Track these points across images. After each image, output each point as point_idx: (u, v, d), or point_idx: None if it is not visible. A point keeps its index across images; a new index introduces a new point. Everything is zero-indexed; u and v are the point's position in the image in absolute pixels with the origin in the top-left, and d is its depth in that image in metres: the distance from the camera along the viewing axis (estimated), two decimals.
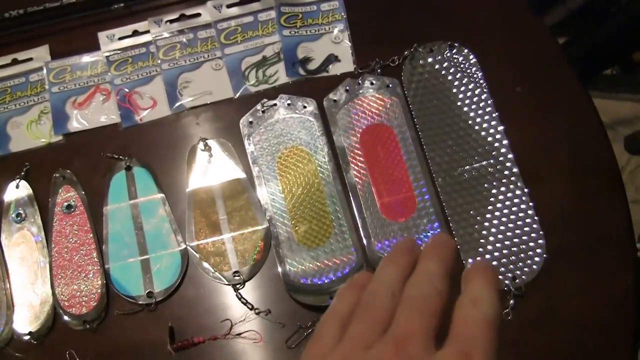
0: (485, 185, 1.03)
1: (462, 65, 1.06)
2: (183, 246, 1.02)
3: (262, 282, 1.01)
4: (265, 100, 1.06)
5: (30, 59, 1.14)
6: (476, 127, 1.05)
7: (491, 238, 1.00)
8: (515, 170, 1.03)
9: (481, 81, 1.07)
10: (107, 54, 1.12)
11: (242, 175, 1.03)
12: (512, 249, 0.99)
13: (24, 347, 0.99)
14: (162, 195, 1.04)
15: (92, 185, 1.07)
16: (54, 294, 1.00)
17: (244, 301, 0.99)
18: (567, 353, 0.95)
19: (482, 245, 1.00)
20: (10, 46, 1.17)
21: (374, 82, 1.05)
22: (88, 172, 1.07)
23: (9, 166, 1.08)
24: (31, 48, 1.16)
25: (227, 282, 1.00)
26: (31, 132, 1.08)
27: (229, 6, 1.14)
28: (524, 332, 0.97)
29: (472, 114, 1.04)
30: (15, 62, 1.14)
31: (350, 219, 1.01)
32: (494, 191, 1.02)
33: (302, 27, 1.11)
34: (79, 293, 0.99)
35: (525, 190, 1.02)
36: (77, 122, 1.09)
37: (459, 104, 1.07)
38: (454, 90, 1.06)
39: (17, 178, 1.07)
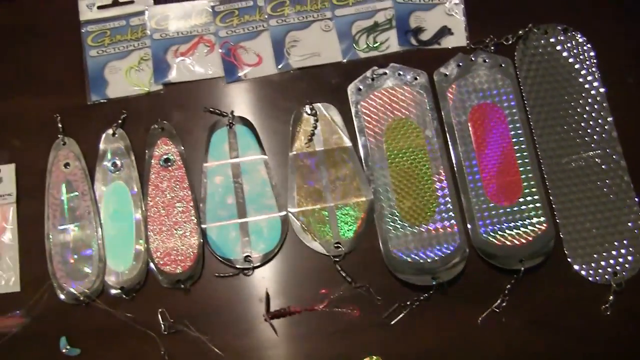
0: (592, 176, 1.02)
1: (575, 51, 1.04)
2: (284, 212, 0.99)
3: (362, 255, 0.99)
4: (375, 67, 1.04)
5: (131, 2, 1.10)
6: (585, 116, 1.04)
7: (594, 230, 0.99)
8: (622, 163, 1.02)
9: (593, 69, 1.06)
10: (213, 3, 1.07)
11: (348, 143, 1.01)
12: (614, 243, 0.99)
13: (115, 301, 0.97)
14: (265, 156, 1.02)
15: (190, 140, 1.04)
16: (148, 250, 0.98)
17: (344, 274, 0.96)
18: None
19: (585, 237, 1.00)
20: None
21: (487, 60, 1.03)
22: (187, 125, 1.05)
23: (105, 112, 1.06)
24: None
25: (327, 253, 0.97)
26: (130, 79, 1.05)
27: None
28: (623, 328, 0.96)
29: (581, 102, 1.02)
30: (116, 3, 1.09)
31: (455, 198, 0.99)
32: (599, 183, 1.01)
33: None
34: (174, 252, 0.98)
35: (632, 185, 1.01)
36: (178, 72, 1.06)
37: (570, 90, 1.05)
38: (566, 76, 1.04)
39: (115, 126, 1.03)
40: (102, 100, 1.05)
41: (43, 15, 1.10)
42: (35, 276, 0.97)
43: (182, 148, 1.02)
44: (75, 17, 1.09)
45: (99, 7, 1.08)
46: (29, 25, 1.10)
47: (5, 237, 0.97)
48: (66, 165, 1.00)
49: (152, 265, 0.97)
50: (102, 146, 1.03)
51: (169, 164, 0.98)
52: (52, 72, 1.07)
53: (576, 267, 0.97)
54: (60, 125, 1.02)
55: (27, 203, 1.01)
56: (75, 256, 0.97)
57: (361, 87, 1.01)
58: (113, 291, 0.96)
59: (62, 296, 0.96)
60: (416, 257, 0.95)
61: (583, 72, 1.02)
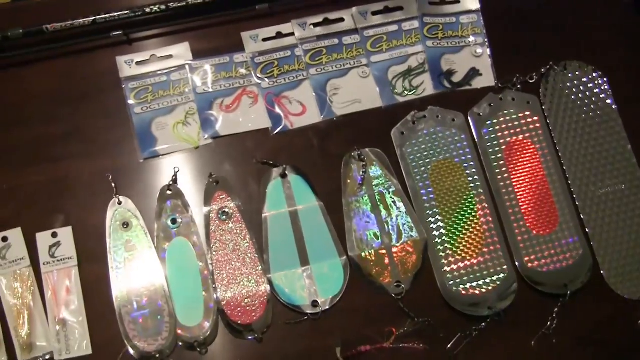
0: (619, 200, 1.10)
1: (591, 85, 1.11)
2: (344, 256, 1.02)
3: (421, 291, 1.04)
4: (415, 111, 1.08)
5: (170, 56, 1.11)
6: (606, 146, 1.12)
7: (626, 251, 1.09)
8: None
9: (608, 101, 1.15)
10: (252, 55, 1.10)
11: (398, 186, 1.05)
12: None
13: (188, 356, 0.99)
14: (321, 203, 1.04)
15: (244, 191, 1.07)
16: (217, 302, 1.00)
17: (406, 311, 1.00)
18: None
19: (617, 258, 1.09)
20: (148, 42, 1.14)
21: (515, 98, 1.10)
22: (239, 177, 1.08)
23: (158, 169, 1.08)
24: (170, 45, 1.13)
25: (389, 292, 1.01)
26: (178, 134, 1.07)
27: (373, 13, 1.13)
28: None
29: (602, 133, 1.11)
30: (154, 58, 1.10)
31: (499, 230, 1.06)
32: (627, 207, 1.11)
33: (443, 39, 1.14)
34: (244, 302, 1.00)
35: None
36: (225, 125, 1.09)
37: (589, 122, 1.13)
38: (586, 109, 1.12)
39: (169, 182, 1.04)
40: (153, 157, 1.05)
41: (85, 75, 1.11)
42: (105, 338, 0.98)
43: (238, 200, 1.04)
44: (116, 75, 1.10)
45: (138, 63, 1.08)
46: (72, 87, 1.10)
47: (71, 301, 0.97)
48: (124, 224, 1.00)
49: (222, 317, 0.99)
50: (158, 203, 1.04)
51: (228, 216, 1.00)
52: (101, 132, 1.08)
53: (612, 286, 1.03)
54: (113, 185, 1.03)
55: (89, 265, 1.01)
56: (145, 315, 0.97)
57: (404, 131, 1.06)
58: (185, 346, 0.98)
59: (135, 355, 0.97)
60: (471, 290, 0.99)
61: (600, 104, 1.09)
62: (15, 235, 1.01)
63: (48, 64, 1.11)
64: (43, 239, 1.01)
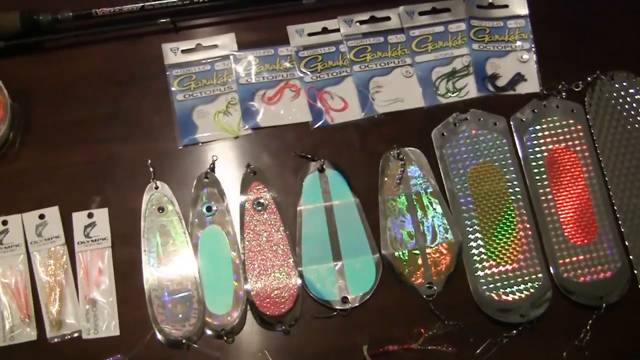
0: None
1: (638, 95, 1.09)
2: (377, 254, 1.02)
3: (453, 294, 1.02)
4: (457, 113, 1.08)
5: (215, 46, 1.12)
6: None
7: None
8: None
9: None
10: (297, 49, 1.10)
11: (435, 186, 1.05)
12: None
13: (216, 344, 0.99)
14: (357, 199, 1.04)
15: (281, 183, 1.07)
16: (247, 292, 1.00)
17: (437, 313, 1.00)
18: None
19: None
20: (194, 31, 1.15)
21: (559, 105, 1.09)
22: (277, 169, 1.08)
23: (196, 156, 1.08)
24: (216, 35, 1.15)
25: (420, 293, 1.00)
26: (218, 123, 1.08)
27: (420, 13, 1.13)
28: None
29: None
30: (199, 47, 1.11)
31: (536, 237, 1.04)
32: None
33: (489, 42, 1.13)
34: (274, 294, 1.00)
35: None
36: (266, 116, 1.09)
37: (635, 134, 1.11)
38: (633, 120, 1.10)
39: (207, 170, 1.05)
40: (192, 145, 1.05)
41: (129, 59, 1.12)
42: (134, 320, 0.98)
43: (274, 192, 1.04)
44: (161, 61, 1.11)
45: (183, 51, 1.09)
46: (117, 71, 1.11)
47: (102, 282, 0.98)
48: (160, 209, 1.00)
49: (251, 307, 0.98)
50: (195, 190, 1.04)
51: (263, 207, 1.00)
52: (142, 117, 1.08)
53: None
54: (152, 169, 1.03)
55: (122, 247, 1.02)
56: (175, 300, 0.97)
57: (444, 132, 1.05)
58: (213, 334, 0.98)
59: (162, 339, 0.96)
60: (504, 296, 0.98)
61: None
62: (53, 213, 1.03)
63: (96, 47, 1.13)
64: (79, 218, 1.02)
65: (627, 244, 1.04)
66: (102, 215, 1.02)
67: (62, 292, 0.98)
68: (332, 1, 1.14)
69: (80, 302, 0.99)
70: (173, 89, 1.08)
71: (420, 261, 1.00)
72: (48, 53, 1.13)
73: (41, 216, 1.02)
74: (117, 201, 1.04)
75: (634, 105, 1.08)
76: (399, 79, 1.10)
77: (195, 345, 0.97)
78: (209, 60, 1.12)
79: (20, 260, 1.01)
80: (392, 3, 1.16)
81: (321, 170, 1.04)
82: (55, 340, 0.98)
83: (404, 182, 1.04)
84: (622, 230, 1.04)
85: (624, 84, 1.10)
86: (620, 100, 1.09)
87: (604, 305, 1.00)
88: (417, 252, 1.01)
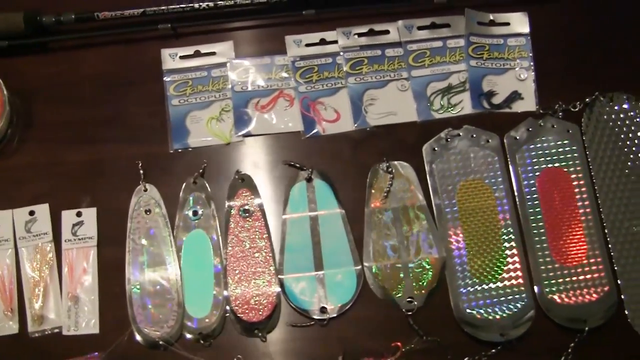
0: None
1: (638, 119, 1.07)
2: (359, 266, 1.02)
3: (433, 310, 1.02)
4: (450, 129, 1.07)
5: (213, 53, 1.14)
6: None
7: None
8: None
9: None
10: (293, 59, 1.10)
11: (422, 201, 1.04)
12: None
13: (192, 346, 1.00)
14: (342, 211, 1.04)
15: (269, 191, 1.08)
16: (226, 297, 1.00)
17: (415, 328, 0.99)
18: None
19: None
20: (194, 38, 1.17)
21: (555, 125, 1.07)
22: (266, 177, 1.09)
23: (187, 161, 1.09)
24: (215, 42, 1.16)
25: (400, 307, 0.99)
26: (211, 129, 1.09)
27: (419, 28, 1.13)
28: None
29: None
30: (197, 54, 1.13)
31: (522, 257, 1.03)
32: None
33: (488, 60, 1.12)
34: (252, 300, 1.00)
35: None
36: (258, 124, 1.10)
37: (633, 157, 1.09)
38: (630, 143, 1.08)
39: (196, 175, 1.06)
40: (183, 149, 1.07)
41: (129, 63, 1.14)
42: (114, 319, 0.99)
43: (261, 199, 1.05)
44: (159, 66, 1.12)
45: (181, 57, 1.11)
46: (116, 74, 1.14)
47: (86, 280, 1.00)
48: (147, 211, 1.02)
49: (230, 312, 0.99)
50: (183, 194, 1.05)
51: (248, 214, 1.00)
52: (138, 120, 1.10)
53: (636, 329, 1.00)
54: (142, 172, 1.05)
55: (108, 247, 1.03)
56: (155, 301, 0.99)
57: (436, 147, 1.05)
58: (191, 337, 0.99)
59: (140, 340, 0.98)
60: (485, 314, 0.97)
61: None
62: (43, 210, 1.05)
63: (98, 49, 1.16)
64: (68, 216, 1.04)
65: (616, 268, 1.01)
66: (90, 215, 1.04)
67: (45, 288, 1.00)
68: (332, 13, 1.13)
69: (63, 299, 1.00)
70: (169, 93, 1.09)
71: (402, 275, 0.99)
72: (50, 54, 1.16)
73: (31, 213, 1.04)
74: (106, 202, 1.06)
75: (633, 128, 1.07)
76: (394, 93, 1.10)
77: (173, 347, 0.96)
78: (205, 67, 1.11)
79: (8, 255, 1.03)
80: (392, 17, 1.16)
81: (309, 179, 1.04)
82: (36, 335, 0.99)
83: (392, 195, 1.03)
84: (612, 253, 1.01)
85: (624, 106, 1.08)
86: (619, 123, 1.07)
87: (587, 328, 0.98)
88: (399, 265, 1.00)
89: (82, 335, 1.00)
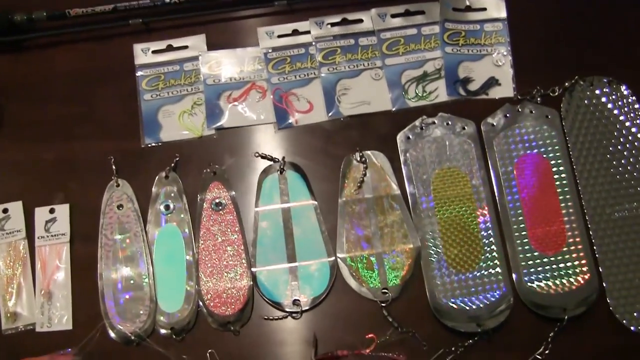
0: (635, 226, 1.02)
1: (620, 103, 1.05)
2: (332, 257, 1.00)
3: (409, 302, 1.00)
4: (424, 117, 1.06)
5: (185, 47, 1.13)
6: (629, 168, 1.06)
7: (637, 281, 1.01)
8: None
9: (638, 121, 1.07)
10: (265, 51, 1.09)
11: (397, 191, 1.03)
12: None
13: (165, 341, 0.99)
14: (315, 202, 1.03)
15: (241, 184, 1.07)
16: (198, 291, 1.00)
17: (391, 319, 0.97)
18: None
19: (628, 287, 1.01)
20: (166, 32, 1.17)
21: (533, 110, 1.05)
22: (238, 170, 1.07)
23: (159, 155, 1.09)
24: (187, 36, 1.15)
25: (374, 298, 0.98)
26: (183, 123, 1.09)
27: (393, 16, 1.12)
28: None
29: (626, 153, 1.04)
30: (170, 48, 1.12)
31: (500, 246, 1.01)
32: None
33: (464, 46, 1.11)
34: (224, 294, 1.00)
35: None
36: (231, 117, 1.09)
37: (614, 142, 1.07)
38: (611, 128, 1.06)
39: (168, 169, 1.05)
40: (155, 144, 1.07)
41: (101, 59, 1.14)
42: (87, 315, 0.99)
43: (233, 192, 1.04)
44: (131, 61, 1.11)
45: (154, 52, 1.10)
46: (90, 70, 1.14)
47: (59, 276, 0.99)
48: (119, 206, 1.02)
49: (202, 306, 0.98)
50: (155, 189, 1.05)
51: (220, 207, 1.00)
52: (111, 116, 1.10)
53: (619, 316, 0.96)
54: (114, 167, 1.04)
55: (81, 243, 1.03)
56: (127, 296, 0.99)
57: (410, 135, 1.03)
58: (163, 331, 0.98)
59: (113, 335, 0.97)
60: (462, 304, 0.96)
61: (627, 124, 1.04)
62: (16, 208, 1.05)
63: (70, 46, 1.16)
64: (41, 213, 1.04)
65: (597, 255, 0.99)
66: (63, 211, 1.04)
67: (19, 285, 1.00)
68: (304, 4, 1.12)
69: (36, 296, 1.00)
70: (141, 88, 1.09)
71: (376, 266, 0.96)
72: (23, 52, 1.16)
73: (5, 210, 1.04)
74: (79, 198, 1.06)
75: (615, 112, 1.05)
76: (368, 82, 1.08)
77: (145, 342, 0.97)
78: (178, 61, 1.11)
79: None
80: (366, 5, 1.14)
81: (281, 171, 1.01)
82: (10, 332, 0.99)
83: (365, 185, 1.02)
84: (593, 240, 0.99)
85: (605, 90, 1.06)
86: (600, 107, 1.06)
87: (566, 317, 0.96)
88: (373, 256, 0.99)
89: (55, 332, 1.00)
